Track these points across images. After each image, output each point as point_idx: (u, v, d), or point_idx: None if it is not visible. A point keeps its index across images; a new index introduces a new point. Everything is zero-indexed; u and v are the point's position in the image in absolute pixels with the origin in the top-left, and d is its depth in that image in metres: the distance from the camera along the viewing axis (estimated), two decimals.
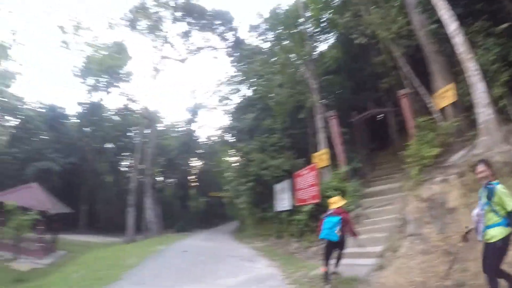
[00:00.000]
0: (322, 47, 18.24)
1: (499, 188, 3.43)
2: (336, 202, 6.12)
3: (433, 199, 6.38)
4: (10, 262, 12.46)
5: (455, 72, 8.45)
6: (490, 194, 3.44)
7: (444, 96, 8.39)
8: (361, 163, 11.79)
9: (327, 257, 5.71)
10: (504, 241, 3.37)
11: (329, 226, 5.62)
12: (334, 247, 5.80)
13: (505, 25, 7.07)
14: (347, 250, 7.38)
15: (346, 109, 14.15)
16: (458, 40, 7.20)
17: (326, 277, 5.57)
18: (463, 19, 7.81)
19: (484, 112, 6.54)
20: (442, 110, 8.62)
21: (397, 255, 5.72)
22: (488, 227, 3.45)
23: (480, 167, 3.75)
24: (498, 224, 3.39)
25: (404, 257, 5.52)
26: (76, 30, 28.54)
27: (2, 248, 13.40)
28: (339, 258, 6.00)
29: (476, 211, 3.70)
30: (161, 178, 39.01)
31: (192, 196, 38.72)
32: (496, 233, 3.38)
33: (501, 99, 6.78)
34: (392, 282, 5.07)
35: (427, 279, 4.81)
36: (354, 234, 6.05)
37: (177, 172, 34.92)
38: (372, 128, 13.81)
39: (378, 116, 11.99)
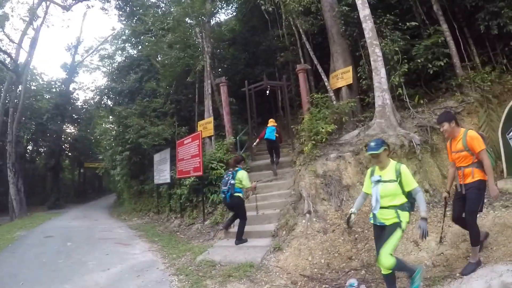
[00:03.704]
0: (222, 17, 17.46)
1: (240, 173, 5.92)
2: (273, 121, 8.95)
3: (329, 175, 6.12)
4: None
5: (356, 57, 8.66)
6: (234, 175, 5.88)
7: (341, 77, 8.48)
8: (248, 135, 11.20)
9: (271, 154, 8.57)
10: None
11: (270, 131, 8.45)
12: (273, 146, 8.46)
13: (413, 23, 7.59)
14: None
15: (238, 80, 13.42)
16: (368, 26, 7.18)
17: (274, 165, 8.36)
18: (375, 9, 8.01)
19: (382, 96, 6.70)
20: (337, 90, 8.74)
21: (294, 235, 5.12)
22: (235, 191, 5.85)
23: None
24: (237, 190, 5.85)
25: (303, 237, 4.94)
26: None
27: None
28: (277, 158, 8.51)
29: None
30: (31, 147, 31.37)
31: (66, 168, 34.55)
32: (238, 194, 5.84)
33: (398, 87, 7.13)
34: (292, 266, 4.37)
35: (331, 260, 4.31)
36: (281, 141, 8.87)
37: (49, 139, 27.89)
38: (262, 102, 13.53)
39: (268, 90, 11.60)
